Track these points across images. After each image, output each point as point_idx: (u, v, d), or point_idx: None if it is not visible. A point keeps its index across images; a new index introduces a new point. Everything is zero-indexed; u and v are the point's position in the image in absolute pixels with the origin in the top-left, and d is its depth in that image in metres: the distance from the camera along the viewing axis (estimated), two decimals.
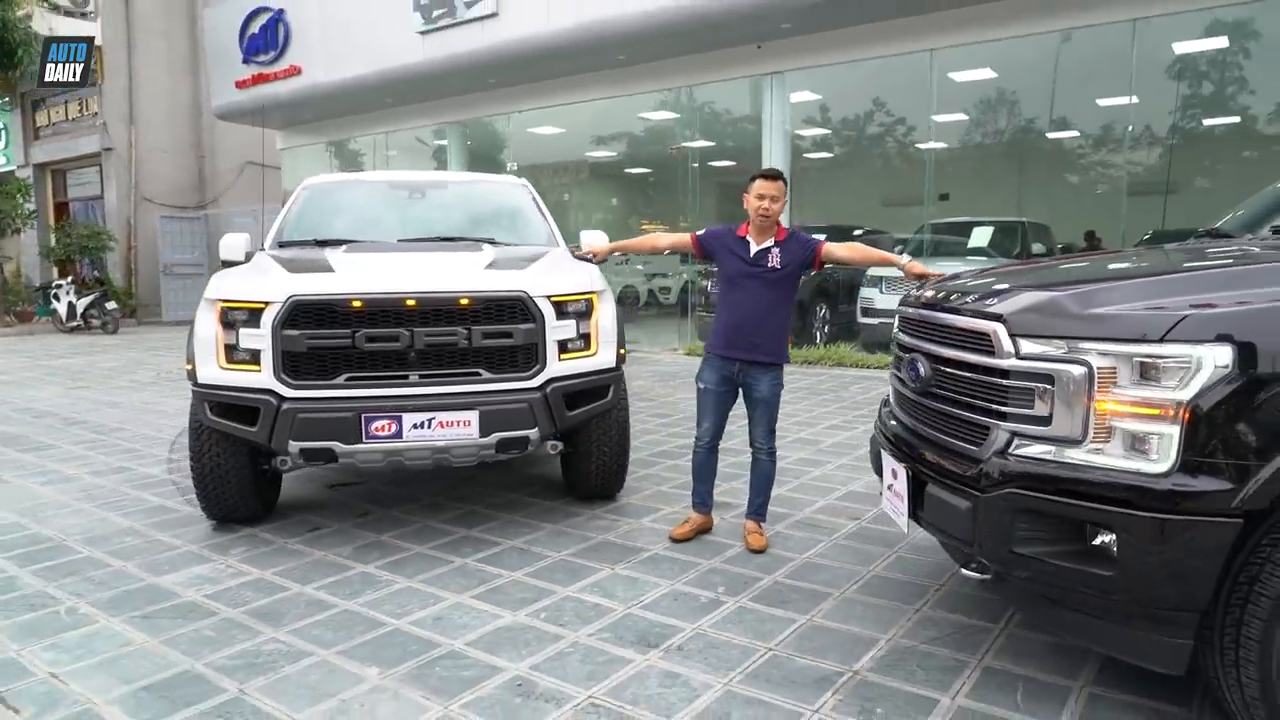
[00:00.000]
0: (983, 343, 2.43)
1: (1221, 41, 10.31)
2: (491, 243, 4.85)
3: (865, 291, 11.05)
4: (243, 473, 4.07)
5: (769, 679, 2.66)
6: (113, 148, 18.62)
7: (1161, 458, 2.06)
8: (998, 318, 2.39)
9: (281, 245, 4.92)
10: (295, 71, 13.99)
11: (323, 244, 4.78)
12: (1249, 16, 8.89)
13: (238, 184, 20.10)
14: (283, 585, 3.49)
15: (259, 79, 14.70)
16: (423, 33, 12.12)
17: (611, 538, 4.04)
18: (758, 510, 3.99)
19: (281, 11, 14.11)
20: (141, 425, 6.98)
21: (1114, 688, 2.57)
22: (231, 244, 5.04)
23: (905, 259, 3.88)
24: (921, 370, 2.76)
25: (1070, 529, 2.22)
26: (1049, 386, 2.24)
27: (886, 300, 10.72)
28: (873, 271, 11.22)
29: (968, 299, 2.65)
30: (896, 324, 3.29)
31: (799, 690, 2.59)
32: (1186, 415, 2.02)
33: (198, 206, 19.80)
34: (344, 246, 4.51)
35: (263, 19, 14.41)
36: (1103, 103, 14.13)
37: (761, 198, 3.79)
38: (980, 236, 12.26)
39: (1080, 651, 2.77)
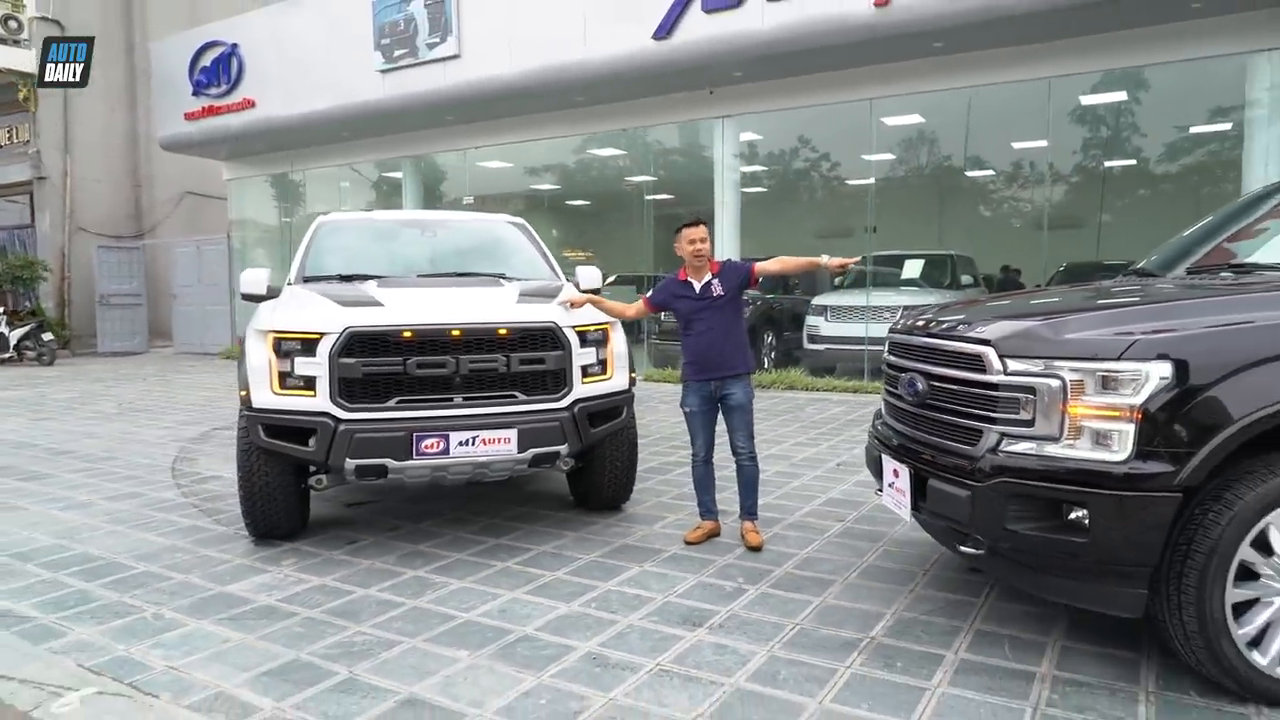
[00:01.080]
0: (975, 363, 3.03)
1: (1120, 95, 11.51)
2: (503, 277, 5.31)
3: (811, 320, 11.78)
4: (289, 490, 4.41)
5: (803, 645, 3.18)
6: (46, 176, 18.24)
7: (1120, 449, 2.67)
8: (987, 342, 2.99)
9: (306, 280, 5.26)
10: (249, 105, 14.12)
11: (347, 279, 5.16)
12: (1143, 73, 10.01)
13: (176, 214, 19.88)
14: (346, 589, 3.85)
15: (210, 111, 14.76)
16: (383, 71, 12.47)
17: (630, 542, 4.51)
18: (750, 511, 4.52)
19: (235, 46, 14.25)
20: (130, 454, 7.10)
21: (1080, 641, 3.16)
22: (253, 279, 5.37)
23: (825, 258, 4.40)
24: (919, 386, 3.34)
25: (1051, 508, 2.81)
26: (1031, 396, 2.84)
27: (831, 328, 11.50)
28: (817, 301, 12.01)
29: (957, 327, 3.25)
30: (886, 348, 3.89)
31: (830, 652, 3.11)
32: (1139, 416, 2.64)
33: (135, 236, 19.48)
34: (375, 281, 4.88)
35: (215, 53, 14.52)
36: (1017, 145, 15.40)
37: (693, 242, 4.35)
38: (912, 268, 13.21)
39: (1051, 616, 3.37)
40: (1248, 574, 2.65)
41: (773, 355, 12.68)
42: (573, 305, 4.57)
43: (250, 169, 16.93)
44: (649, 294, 4.63)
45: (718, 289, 4.33)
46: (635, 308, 4.67)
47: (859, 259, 3.86)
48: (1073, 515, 2.76)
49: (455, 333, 4.17)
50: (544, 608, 3.60)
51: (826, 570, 4.01)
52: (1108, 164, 15.94)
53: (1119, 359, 2.68)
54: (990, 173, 17.79)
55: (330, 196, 16.41)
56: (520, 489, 5.72)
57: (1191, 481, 2.60)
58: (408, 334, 4.13)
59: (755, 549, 4.32)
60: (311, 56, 13.27)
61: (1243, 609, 2.66)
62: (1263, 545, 2.64)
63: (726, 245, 11.74)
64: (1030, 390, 2.84)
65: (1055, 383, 2.78)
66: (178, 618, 3.54)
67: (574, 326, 4.45)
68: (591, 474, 4.90)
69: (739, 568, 4.07)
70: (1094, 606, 2.88)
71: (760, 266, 4.41)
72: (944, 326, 3.36)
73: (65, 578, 4.06)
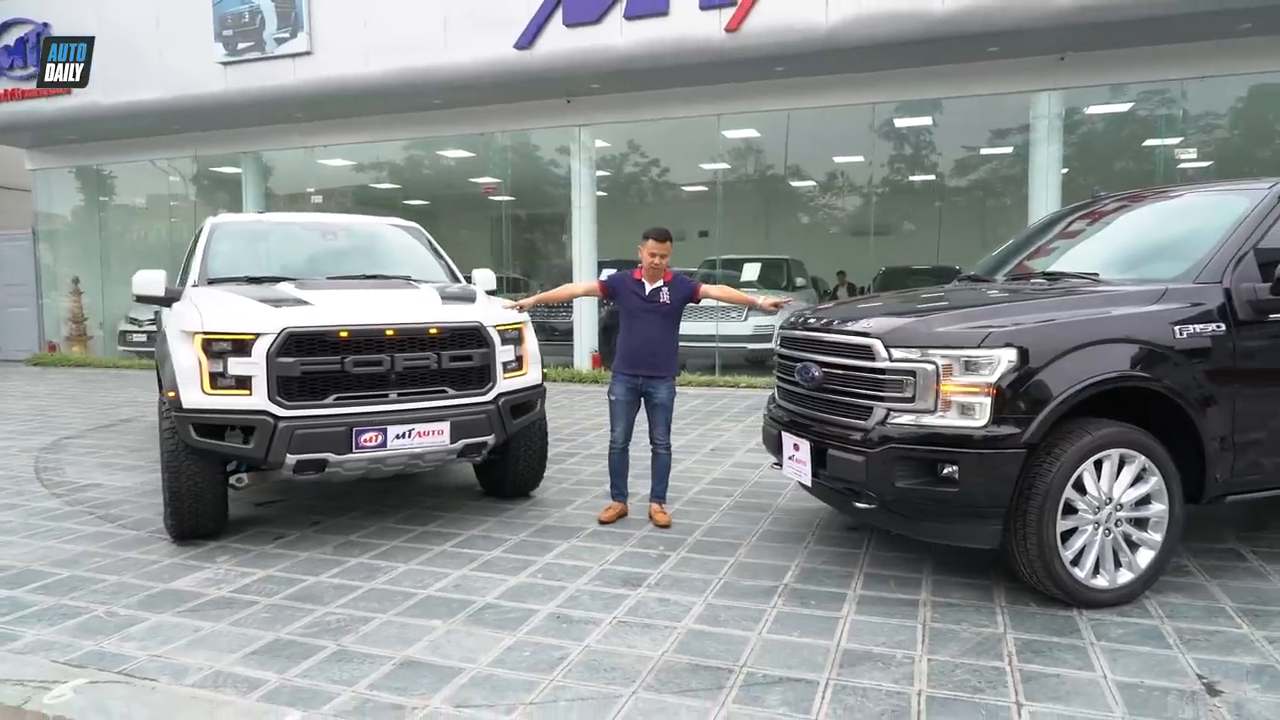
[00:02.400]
0: (865, 352, 3.72)
1: (927, 120, 13.06)
2: (409, 279, 5.55)
3: None
4: (217, 490, 4.49)
5: (731, 594, 3.75)
6: None
7: (981, 417, 3.42)
8: (876, 334, 3.69)
9: (211, 281, 5.27)
10: (65, 90, 13.06)
11: (256, 280, 5.22)
12: (947, 102, 11.47)
13: None
14: (296, 578, 4.03)
15: (12, 95, 13.50)
16: (225, 64, 11.99)
17: (550, 523, 4.93)
18: (659, 495, 5.06)
19: (46, 25, 13.13)
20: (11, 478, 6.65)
21: (945, 575, 3.93)
22: (149, 280, 5.32)
23: (761, 298, 5.14)
24: (815, 373, 4.01)
25: (928, 466, 3.53)
26: (912, 378, 3.55)
27: (683, 327, 12.27)
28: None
29: (846, 323, 3.94)
30: (779, 342, 4.56)
31: (755, 598, 3.70)
32: (994, 392, 3.40)
33: None
34: (290, 283, 4.99)
35: (20, 31, 13.31)
36: (838, 159, 16.95)
37: (654, 254, 4.88)
38: (751, 271, 14.30)
39: (918, 560, 4.13)
40: (1070, 509, 3.48)
41: None
42: (521, 308, 4.96)
43: (59, 159, 15.59)
44: (604, 277, 5.05)
45: (665, 297, 4.82)
46: (586, 286, 5.13)
47: (789, 299, 4.50)
48: (945, 471, 3.49)
49: (390, 332, 4.43)
50: (495, 581, 3.96)
51: (730, 536, 4.62)
52: (913, 178, 17.86)
53: (978, 347, 3.44)
54: (813, 183, 19.41)
55: (158, 191, 15.44)
56: (424, 482, 5.96)
57: (1032, 440, 3.39)
58: (344, 334, 4.34)
59: (664, 526, 4.84)
60: (141, 43, 12.50)
61: (1066, 536, 3.49)
62: (1079, 487, 3.47)
63: (584, 246, 12.25)
64: (911, 373, 3.55)
65: (930, 367, 3.51)
66: (134, 614, 3.61)
67: (496, 326, 4.81)
68: (505, 463, 5.25)
69: (656, 538, 4.60)
70: (961, 543, 3.64)
71: (704, 289, 4.95)
72: (834, 323, 4.05)
73: None
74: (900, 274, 13.71)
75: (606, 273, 5.33)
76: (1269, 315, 3.71)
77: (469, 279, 6.07)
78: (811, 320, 4.27)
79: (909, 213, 19.56)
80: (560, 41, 10.35)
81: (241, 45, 11.81)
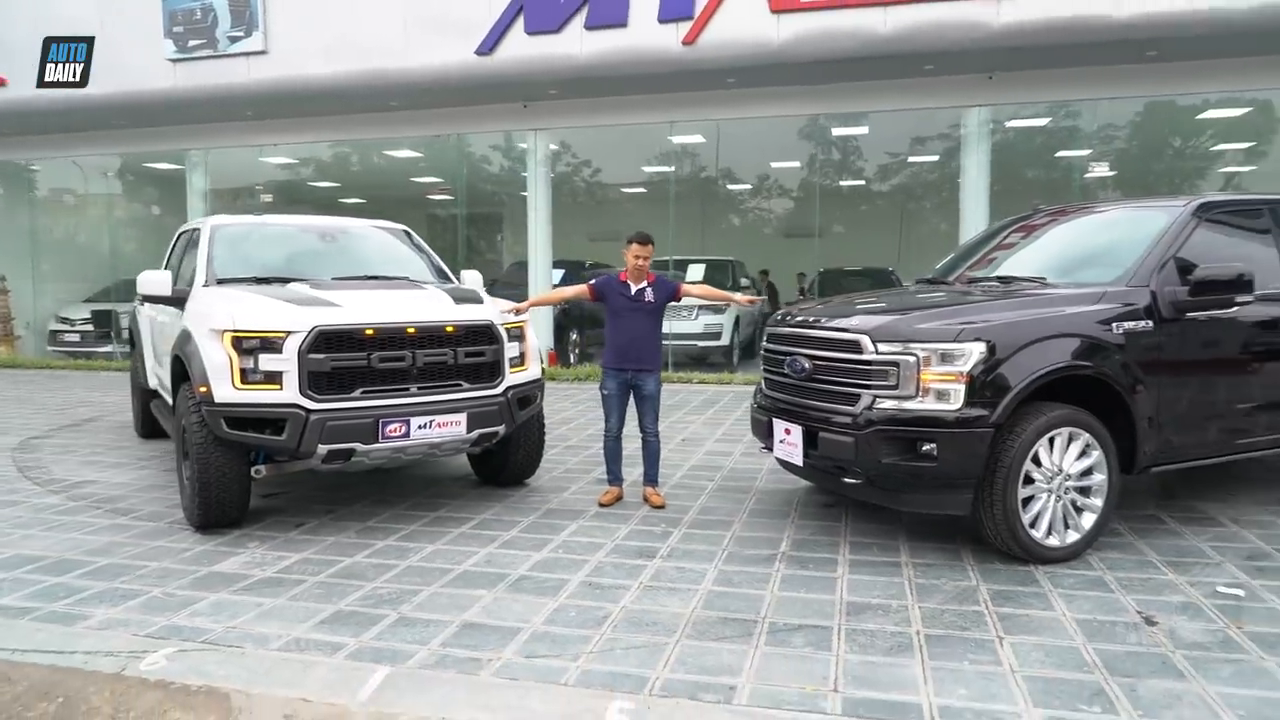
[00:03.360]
0: (854, 346, 4.24)
1: (864, 129, 13.85)
2: (409, 280, 5.86)
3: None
4: (243, 480, 4.73)
5: (738, 561, 4.23)
6: None
7: (955, 402, 3.98)
8: (863, 331, 4.22)
9: (221, 282, 5.46)
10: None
11: (263, 281, 5.45)
12: (881, 114, 12.24)
13: None
14: (333, 559, 4.33)
15: None
16: (174, 60, 11.89)
17: (554, 506, 5.32)
18: (652, 478, 5.50)
19: None
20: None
21: (918, 541, 4.49)
22: (156, 280, 5.50)
23: (738, 295, 5.65)
24: (805, 365, 4.52)
25: (910, 445, 4.06)
26: (896, 368, 4.09)
27: None
28: None
29: (835, 321, 4.46)
30: (766, 338, 5.06)
31: (759, 564, 4.19)
32: (967, 379, 3.96)
33: None
34: (305, 284, 5.24)
35: None
36: (775, 165, 17.67)
37: (638, 256, 5.32)
38: (696, 272, 14.86)
39: (892, 530, 4.68)
40: (1028, 480, 4.06)
41: (576, 351, 13.73)
42: (518, 311, 5.31)
43: None
44: (592, 281, 5.43)
45: (649, 296, 5.25)
46: (576, 290, 5.52)
47: (763, 298, 5.01)
48: (925, 448, 4.03)
49: (411, 330, 4.76)
50: (521, 556, 4.34)
51: (723, 515, 5.10)
52: (843, 183, 18.74)
53: (954, 341, 4.00)
54: (748, 187, 20.14)
55: (91, 188, 15.06)
56: (418, 473, 6.26)
57: (999, 421, 3.97)
58: (370, 331, 4.65)
59: (659, 507, 5.28)
60: (81, 32, 12.26)
61: (1025, 503, 4.07)
62: (1036, 460, 4.06)
63: (539, 244, 12.60)
64: (895, 364, 4.09)
65: (912, 358, 4.05)
66: (191, 593, 3.87)
67: (503, 324, 5.17)
68: (507, 452, 5.61)
69: (657, 518, 5.04)
70: (938, 510, 4.21)
71: (685, 288, 5.40)
72: (822, 320, 4.57)
73: (27, 575, 4.13)
74: (835, 274, 14.50)
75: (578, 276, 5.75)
76: (1186, 314, 4.39)
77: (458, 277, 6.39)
78: (799, 318, 4.78)
79: (839, 216, 20.48)
80: (521, 48, 10.68)
81: (193, 43, 11.74)
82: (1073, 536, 4.16)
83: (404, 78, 11.18)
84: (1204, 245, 4.56)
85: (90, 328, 15.06)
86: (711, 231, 20.24)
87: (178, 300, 5.45)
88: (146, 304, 7.09)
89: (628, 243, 5.34)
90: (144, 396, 7.44)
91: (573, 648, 3.25)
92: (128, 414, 8.87)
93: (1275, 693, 2.86)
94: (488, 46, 10.70)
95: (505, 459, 5.66)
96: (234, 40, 11.54)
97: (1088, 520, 4.19)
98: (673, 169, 15.87)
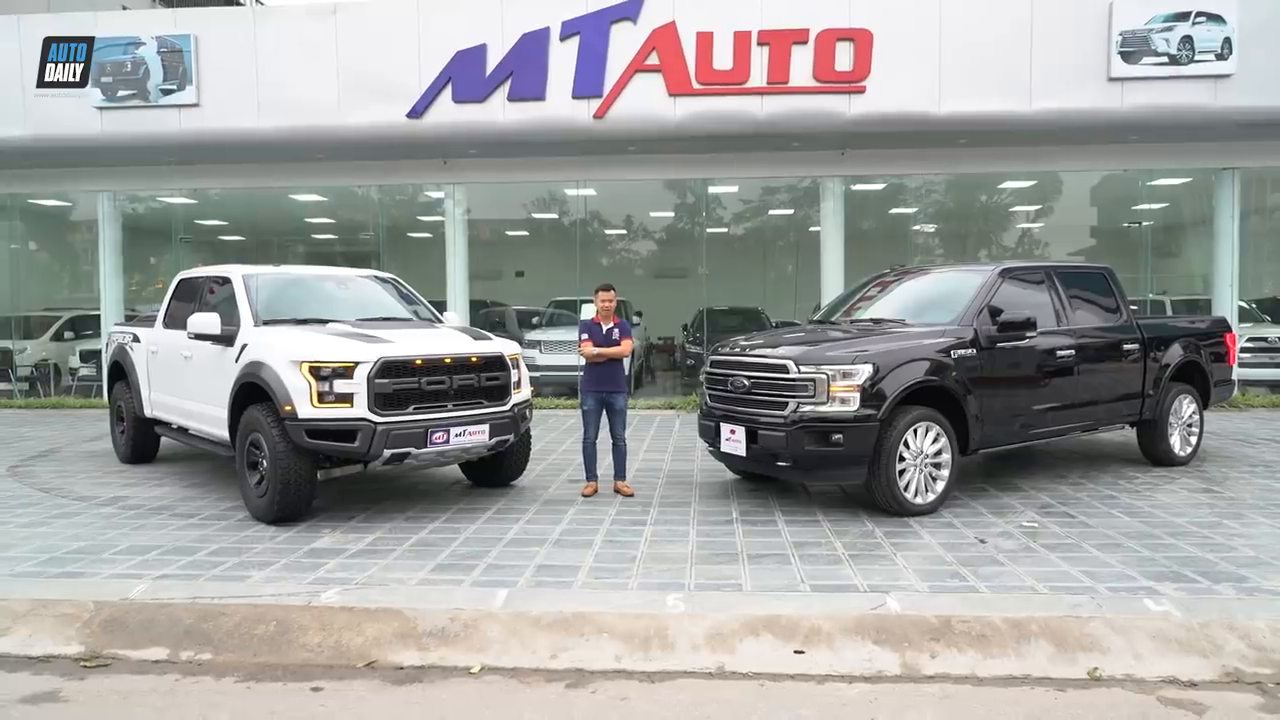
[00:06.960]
0: (783, 369, 6.03)
1: (734, 188, 16.06)
2: (416, 318, 7.21)
3: (527, 352, 14.33)
4: (314, 481, 5.93)
5: (707, 522, 5.87)
6: None
7: (853, 405, 5.82)
8: (790, 357, 6.02)
9: (267, 323, 6.58)
10: None
11: (302, 322, 6.63)
12: (754, 180, 14.46)
13: None
14: (405, 535, 5.62)
15: None
16: (101, 108, 12.41)
17: (548, 498, 6.78)
18: (621, 474, 7.05)
19: None
20: (26, 494, 7.25)
21: (827, 509, 6.28)
22: (206, 321, 6.55)
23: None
24: (745, 383, 6.27)
25: (825, 436, 5.86)
26: (813, 383, 5.89)
27: (546, 358, 14.20)
28: (530, 336, 14.68)
29: (767, 350, 6.24)
30: (710, 364, 6.79)
31: (723, 524, 5.85)
32: (860, 390, 5.82)
33: None
34: (345, 324, 6.49)
35: None
36: (654, 214, 19.69)
37: (605, 301, 6.95)
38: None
39: (807, 504, 6.46)
40: (901, 458, 5.95)
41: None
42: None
43: None
44: (584, 334, 6.89)
45: (616, 335, 6.84)
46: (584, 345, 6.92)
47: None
48: (834, 438, 5.84)
49: (448, 360, 6.14)
50: (544, 531, 5.79)
51: (680, 499, 6.73)
52: (712, 231, 20.97)
53: (852, 363, 5.86)
54: (625, 232, 22.09)
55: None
56: (408, 481, 7.51)
57: (882, 418, 5.84)
58: (419, 361, 6.00)
59: (630, 496, 6.84)
60: (4, 80, 12.54)
61: (900, 475, 5.95)
62: (906, 445, 5.96)
63: (457, 285, 13.87)
64: (813, 380, 5.90)
65: (824, 376, 5.87)
66: (315, 560, 5.08)
67: (510, 356, 6.62)
68: (503, 457, 7.01)
69: (633, 503, 6.60)
70: (843, 482, 6.06)
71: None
72: (756, 350, 6.35)
73: (159, 558, 5.17)
74: (719, 313, 16.58)
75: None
76: (996, 344, 6.47)
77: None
78: (735, 350, 6.56)
79: (709, 260, 22.75)
80: (448, 114, 12.03)
81: (123, 92, 12.29)
82: (930, 497, 6.09)
83: (337, 135, 12.26)
84: (1006, 297, 6.69)
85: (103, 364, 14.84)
86: (588, 271, 21.98)
87: (227, 339, 6.52)
88: (144, 340, 8.00)
89: (595, 291, 6.94)
90: (138, 425, 8.21)
91: (622, 574, 4.78)
92: (83, 445, 9.52)
93: (1052, 569, 4.81)
94: (418, 111, 11.99)
95: (502, 463, 7.05)
96: (167, 93, 12.20)
97: (940, 486, 6.14)
98: (559, 216, 17.59)
